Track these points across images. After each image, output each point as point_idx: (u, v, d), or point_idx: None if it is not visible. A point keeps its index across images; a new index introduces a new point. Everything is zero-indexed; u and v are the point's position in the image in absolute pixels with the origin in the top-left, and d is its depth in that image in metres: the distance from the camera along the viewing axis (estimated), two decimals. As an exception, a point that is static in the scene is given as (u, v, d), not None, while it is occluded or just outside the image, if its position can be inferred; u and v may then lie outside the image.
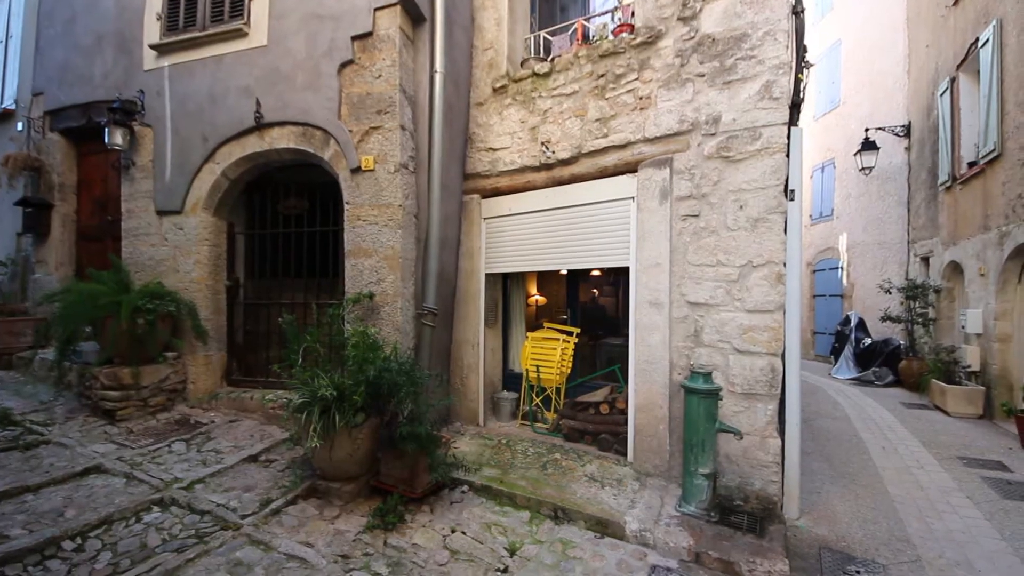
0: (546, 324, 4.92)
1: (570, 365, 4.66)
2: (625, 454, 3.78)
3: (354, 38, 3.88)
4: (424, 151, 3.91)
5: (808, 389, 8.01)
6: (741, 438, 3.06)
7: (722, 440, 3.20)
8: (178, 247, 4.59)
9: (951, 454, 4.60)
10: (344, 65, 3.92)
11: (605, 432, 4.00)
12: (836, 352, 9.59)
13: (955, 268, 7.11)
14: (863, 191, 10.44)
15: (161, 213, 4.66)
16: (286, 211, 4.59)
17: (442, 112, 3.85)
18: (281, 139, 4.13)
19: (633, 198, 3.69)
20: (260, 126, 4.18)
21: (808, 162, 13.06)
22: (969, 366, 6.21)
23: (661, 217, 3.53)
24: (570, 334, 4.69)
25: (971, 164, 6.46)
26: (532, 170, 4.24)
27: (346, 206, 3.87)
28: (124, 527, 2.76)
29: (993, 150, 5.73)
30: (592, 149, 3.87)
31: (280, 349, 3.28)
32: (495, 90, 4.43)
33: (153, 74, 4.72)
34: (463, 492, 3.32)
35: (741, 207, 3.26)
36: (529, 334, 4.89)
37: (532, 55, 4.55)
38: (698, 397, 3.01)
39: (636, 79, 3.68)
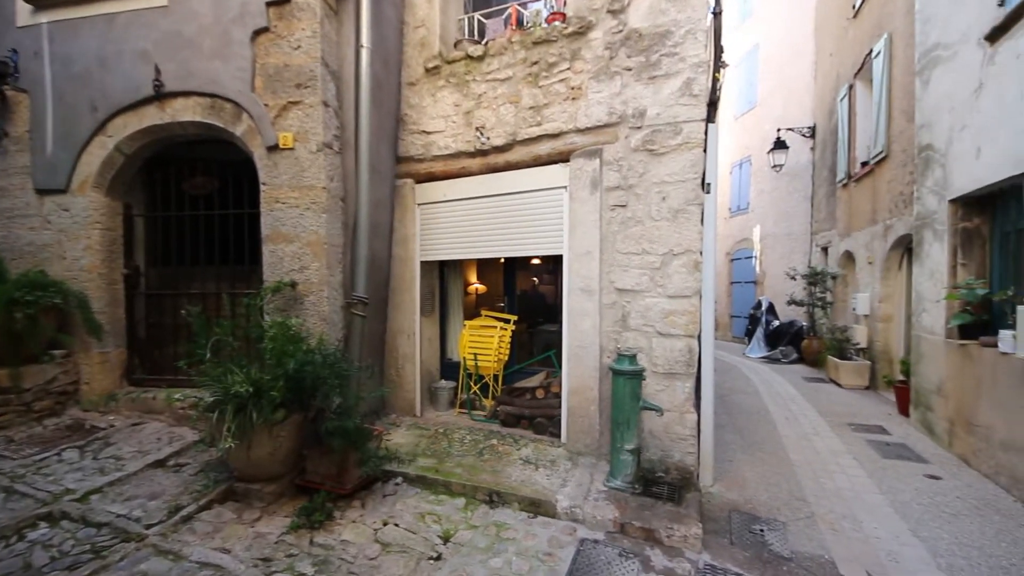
0: (484, 312, 4.92)
1: (507, 352, 4.70)
2: (559, 436, 3.89)
3: (269, 4, 3.56)
4: (351, 130, 3.71)
5: (724, 367, 8.70)
6: (662, 414, 3.26)
7: (645, 417, 3.38)
8: (64, 231, 4.04)
9: (842, 421, 5.21)
10: (258, 33, 3.60)
11: (540, 416, 4.10)
12: (750, 334, 10.48)
13: (849, 257, 7.98)
14: (775, 187, 11.39)
15: (42, 192, 4.08)
16: (193, 191, 4.18)
17: (370, 90, 3.67)
18: (185, 111, 3.73)
19: (566, 187, 3.76)
20: (160, 95, 3.76)
21: (728, 159, 14.01)
22: (858, 343, 7.04)
23: (592, 207, 3.63)
24: (507, 322, 4.73)
25: (864, 164, 7.23)
26: (467, 156, 4.18)
27: (263, 187, 3.59)
28: (3, 547, 2.44)
29: (881, 152, 6.44)
30: (526, 137, 3.88)
31: (191, 344, 3.01)
32: (428, 71, 4.30)
33: (29, 32, 4.08)
34: (397, 484, 3.26)
35: (664, 198, 3.42)
36: (467, 322, 4.87)
37: (466, 37, 4.45)
38: (623, 378, 3.15)
39: (568, 69, 3.72)
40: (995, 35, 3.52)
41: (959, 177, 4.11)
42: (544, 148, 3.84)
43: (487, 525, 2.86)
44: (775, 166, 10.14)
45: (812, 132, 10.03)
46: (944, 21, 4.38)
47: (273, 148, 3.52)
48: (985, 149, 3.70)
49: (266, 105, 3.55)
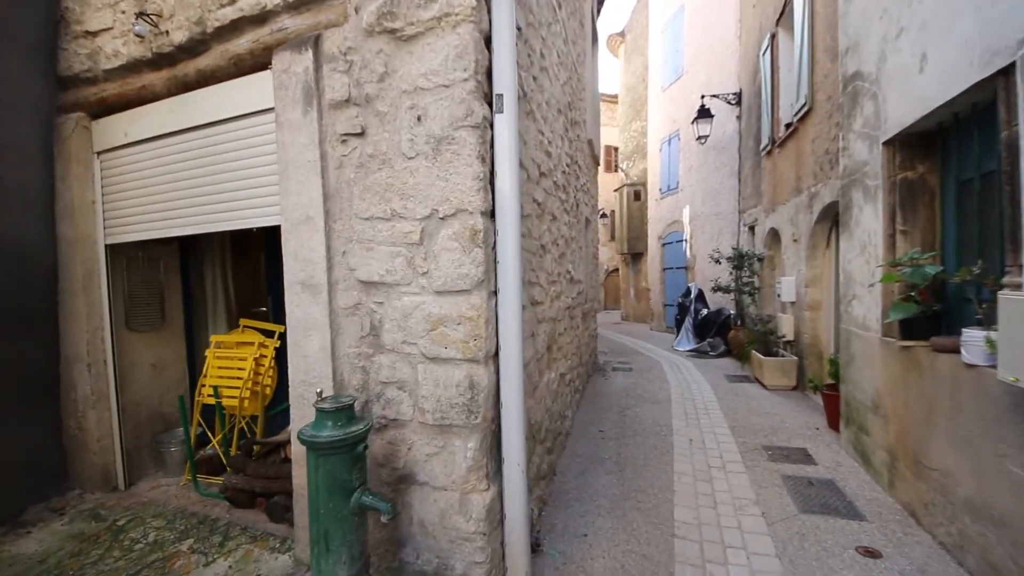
0: (243, 323, 3.30)
1: (273, 381, 3.13)
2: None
3: None
4: None
5: (645, 366, 7.49)
6: (391, 517, 1.77)
7: (416, 500, 1.93)
8: None
9: (758, 443, 3.98)
10: None
11: (279, 491, 2.54)
12: (679, 324, 9.37)
13: (775, 235, 6.89)
14: (702, 162, 10.31)
15: None
16: None
17: None
18: None
19: (274, 109, 2.20)
20: None
21: (657, 135, 12.91)
22: (784, 336, 5.92)
23: (308, 137, 2.08)
24: (272, 335, 3.15)
25: (788, 125, 6.11)
26: (148, 66, 2.53)
27: None
28: None
29: (804, 104, 5.29)
30: (219, 25, 2.28)
31: None
32: (84, -70, 2.61)
33: None
34: None
35: (419, 118, 1.93)
36: (215, 338, 3.24)
37: None
38: (318, 456, 1.65)
39: (266, -103, 2.15)
40: None
41: (896, 106, 2.86)
42: (244, 42, 2.26)
43: None
44: (700, 137, 9.00)
45: (738, 98, 8.93)
46: None
47: None
48: (932, 53, 2.44)
49: None
